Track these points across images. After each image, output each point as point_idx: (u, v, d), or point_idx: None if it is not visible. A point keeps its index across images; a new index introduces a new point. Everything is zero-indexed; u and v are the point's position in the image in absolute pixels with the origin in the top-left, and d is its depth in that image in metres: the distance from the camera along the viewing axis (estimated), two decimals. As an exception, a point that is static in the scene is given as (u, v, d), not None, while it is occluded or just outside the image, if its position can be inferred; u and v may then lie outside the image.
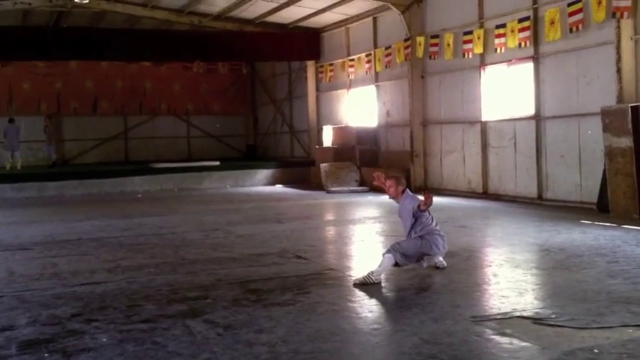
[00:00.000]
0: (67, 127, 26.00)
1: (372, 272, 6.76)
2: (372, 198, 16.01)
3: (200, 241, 10.04)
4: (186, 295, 6.50)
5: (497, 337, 4.94)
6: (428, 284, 6.73)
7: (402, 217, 7.44)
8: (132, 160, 26.15)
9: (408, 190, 7.52)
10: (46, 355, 4.85)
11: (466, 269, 7.54)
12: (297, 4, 19.27)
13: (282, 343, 4.92)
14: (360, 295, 6.38)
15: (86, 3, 20.47)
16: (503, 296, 6.16)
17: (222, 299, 6.31)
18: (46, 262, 8.52)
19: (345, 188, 17.96)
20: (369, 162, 18.98)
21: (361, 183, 18.32)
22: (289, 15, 20.85)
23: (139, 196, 18.34)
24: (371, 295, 6.36)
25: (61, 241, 10.34)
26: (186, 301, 6.30)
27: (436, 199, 14.77)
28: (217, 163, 22.22)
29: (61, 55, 21.08)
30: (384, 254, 6.95)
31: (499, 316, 5.47)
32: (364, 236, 10.43)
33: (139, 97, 26.56)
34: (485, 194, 15.11)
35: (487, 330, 5.12)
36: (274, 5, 19.88)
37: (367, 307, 5.96)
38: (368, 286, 6.64)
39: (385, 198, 15.35)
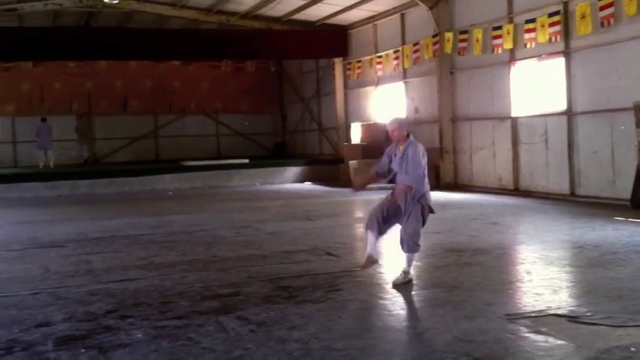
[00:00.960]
0: (97, 127, 26.34)
1: (406, 271, 6.71)
2: (401, 195, 15.92)
3: (230, 238, 10.10)
4: (219, 292, 6.54)
5: (532, 335, 4.89)
6: (460, 282, 6.68)
7: (397, 169, 6.86)
8: (162, 159, 26.40)
9: (412, 136, 6.95)
10: (83, 350, 4.91)
11: (498, 267, 7.48)
12: (325, 1, 19.27)
13: (314, 340, 4.93)
14: (391, 293, 6.37)
15: (116, 3, 20.71)
16: (537, 294, 6.09)
17: (253, 296, 6.35)
18: (80, 260, 8.64)
19: (374, 186, 17.81)
20: (398, 159, 18.87)
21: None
22: (316, 12, 20.86)
23: (170, 194, 18.50)
24: (402, 293, 6.35)
25: (94, 238, 10.48)
26: (218, 297, 6.34)
27: (466, 196, 14.86)
28: (246, 160, 22.32)
29: (91, 55, 21.33)
30: (404, 251, 6.78)
31: (533, 314, 5.42)
32: (394, 233, 10.36)
33: (169, 96, 26.80)
34: (517, 191, 14.96)
35: (521, 328, 5.07)
36: (301, 3, 19.91)
37: (399, 305, 5.95)
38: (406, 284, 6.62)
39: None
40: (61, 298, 6.57)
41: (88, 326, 5.53)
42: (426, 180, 6.83)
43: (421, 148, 6.77)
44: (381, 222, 6.86)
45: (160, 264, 8.18)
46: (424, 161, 6.74)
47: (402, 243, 6.78)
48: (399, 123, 6.90)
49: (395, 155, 6.89)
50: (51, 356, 4.81)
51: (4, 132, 25.09)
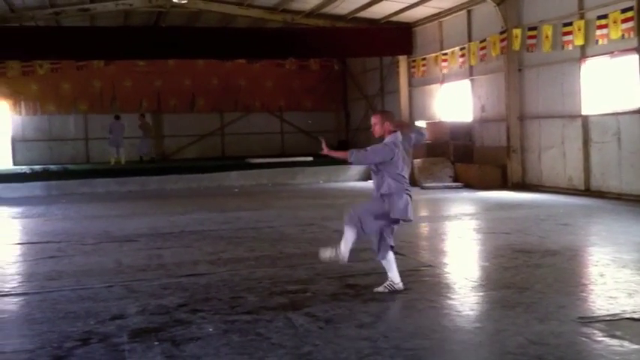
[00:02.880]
0: (166, 124, 26.93)
1: (338, 251, 6.28)
2: (467, 194, 15.75)
3: (296, 235, 10.19)
4: (287, 289, 6.62)
5: (607, 339, 4.77)
6: (530, 283, 6.56)
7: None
8: (228, 156, 26.80)
9: (399, 134, 6.26)
10: (156, 343, 5.05)
11: (570, 269, 7.32)
12: (390, -2, 19.20)
13: (383, 339, 4.94)
14: (460, 293, 6.31)
15: (184, 3, 21.14)
16: (611, 297, 5.94)
17: (321, 293, 6.39)
18: (152, 254, 8.87)
19: (439, 184, 17.75)
20: (464, 157, 18.69)
21: (455, 179, 18.06)
22: (381, 10, 20.77)
23: (236, 190, 18.77)
24: (472, 294, 6.28)
25: (164, 233, 10.74)
26: (286, 294, 6.42)
27: (535, 196, 14.57)
28: (310, 158, 22.43)
29: (161, 54, 21.79)
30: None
31: (608, 318, 5.29)
32: (461, 233, 10.28)
33: (234, 94, 27.16)
34: (588, 191, 14.56)
35: (595, 331, 4.95)
36: (366, 1, 19.87)
37: (468, 306, 5.89)
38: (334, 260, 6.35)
39: (482, 195, 15.21)
40: (134, 291, 6.77)
41: (160, 319, 5.68)
42: (398, 184, 6.16)
43: (393, 144, 6.15)
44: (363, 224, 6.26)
45: (228, 259, 8.33)
46: (394, 158, 6.09)
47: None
48: (380, 116, 6.33)
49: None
50: (126, 348, 4.96)
51: (77, 129, 25.93)
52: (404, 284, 6.48)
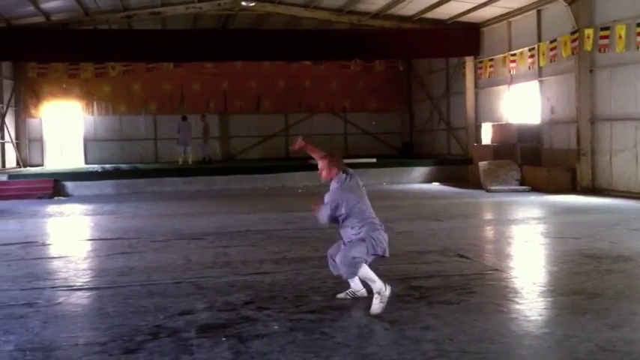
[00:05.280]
0: (232, 125, 27.34)
1: (379, 291, 5.76)
2: (535, 198, 15.42)
3: (360, 236, 10.17)
4: (351, 289, 6.63)
5: (683, 349, 4.62)
6: (601, 289, 6.39)
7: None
8: (291, 156, 26.97)
9: (343, 174, 6.12)
10: (223, 339, 5.15)
11: (643, 275, 7.09)
12: (458, -1, 19.00)
13: (449, 342, 4.90)
14: (528, 298, 6.19)
15: (252, 6, 21.42)
16: (687, 306, 5.74)
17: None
18: (218, 252, 9.04)
19: (506, 187, 17.44)
20: (531, 160, 18.31)
21: (522, 182, 17.71)
22: (448, 10, 20.57)
23: (299, 191, 18.90)
24: (540, 299, 6.16)
25: (230, 232, 10.93)
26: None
27: (605, 201, 14.15)
28: (374, 160, 22.38)
29: (228, 56, 22.13)
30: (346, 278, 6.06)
31: (684, 327, 5.12)
32: (528, 237, 10.08)
33: (299, 95, 27.35)
34: (661, 196, 14.08)
35: (671, 341, 4.80)
36: (433, 1, 19.71)
37: (536, 311, 5.77)
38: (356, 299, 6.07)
39: (550, 198, 14.87)
40: (201, 287, 6.91)
41: (227, 316, 5.79)
42: (363, 217, 6.01)
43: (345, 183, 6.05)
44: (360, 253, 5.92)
45: (292, 259, 8.41)
46: (348, 196, 5.98)
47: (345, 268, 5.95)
48: (330, 160, 6.18)
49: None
50: (194, 343, 5.07)
51: (147, 129, 26.61)
52: (470, 287, 6.39)
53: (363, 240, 5.87)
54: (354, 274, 5.89)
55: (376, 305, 5.70)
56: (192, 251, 9.17)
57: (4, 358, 4.83)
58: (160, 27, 23.61)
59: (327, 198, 6.03)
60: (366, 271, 5.83)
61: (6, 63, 23.42)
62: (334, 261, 6.04)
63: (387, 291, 5.75)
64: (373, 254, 5.91)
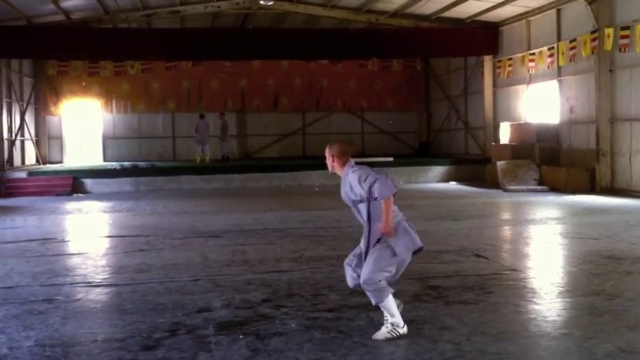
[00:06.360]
0: (249, 123, 27.40)
1: (394, 323, 5.04)
2: (553, 198, 15.32)
3: (377, 235, 10.16)
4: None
5: None
6: (620, 291, 6.34)
7: (348, 202, 5.38)
8: (308, 155, 27.01)
9: (352, 160, 5.40)
10: (241, 336, 5.17)
11: (663, 277, 7.02)
12: (476, -2, 18.91)
13: (466, 342, 4.89)
14: (546, 299, 6.16)
15: (271, 5, 21.45)
16: None
17: (403, 294, 6.33)
18: (236, 250, 9.08)
19: (524, 187, 17.33)
20: (550, 160, 18.19)
21: (541, 182, 17.60)
22: (467, 9, 20.48)
23: (316, 189, 18.93)
24: (558, 299, 6.13)
25: (248, 230, 10.96)
26: (367, 293, 6.43)
27: (625, 201, 14.03)
28: (391, 159, 22.34)
29: (247, 54, 22.19)
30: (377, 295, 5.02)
31: None
32: (546, 237, 10.01)
33: (316, 94, 27.35)
34: (682, 197, 13.93)
35: (691, 343, 4.75)
36: (452, 0, 19.64)
37: (555, 311, 5.74)
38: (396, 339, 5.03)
39: (568, 199, 14.77)
40: (219, 285, 6.94)
41: (245, 313, 5.81)
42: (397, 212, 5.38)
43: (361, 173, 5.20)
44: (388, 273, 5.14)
45: (310, 257, 8.43)
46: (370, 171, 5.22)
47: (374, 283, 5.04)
48: (330, 149, 5.51)
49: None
50: (212, 340, 5.11)
51: (165, 127, 26.76)
52: (487, 287, 6.36)
53: (389, 246, 5.09)
54: (383, 298, 4.98)
55: (383, 332, 5.04)
56: (210, 249, 9.21)
57: (24, 354, 4.89)
58: (179, 26, 23.72)
59: (358, 188, 5.15)
60: (390, 302, 5.04)
61: (26, 61, 23.68)
62: (355, 272, 5.18)
63: (402, 329, 5.03)
64: (413, 249, 5.27)
